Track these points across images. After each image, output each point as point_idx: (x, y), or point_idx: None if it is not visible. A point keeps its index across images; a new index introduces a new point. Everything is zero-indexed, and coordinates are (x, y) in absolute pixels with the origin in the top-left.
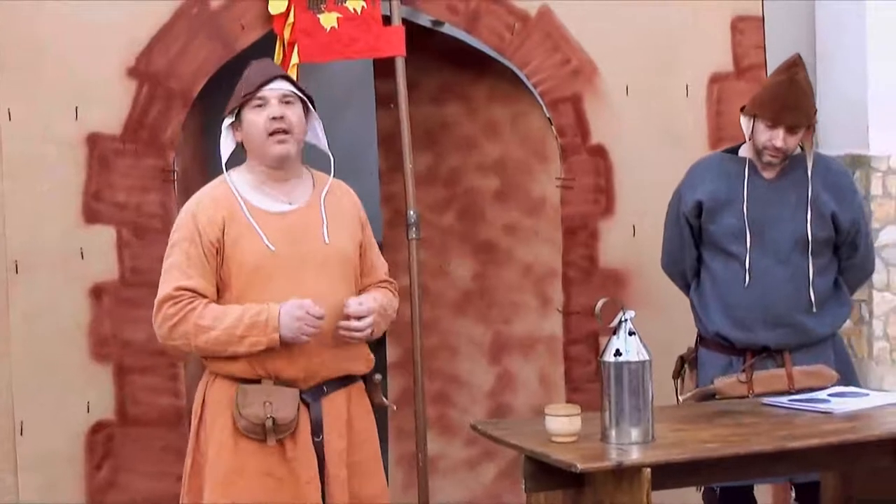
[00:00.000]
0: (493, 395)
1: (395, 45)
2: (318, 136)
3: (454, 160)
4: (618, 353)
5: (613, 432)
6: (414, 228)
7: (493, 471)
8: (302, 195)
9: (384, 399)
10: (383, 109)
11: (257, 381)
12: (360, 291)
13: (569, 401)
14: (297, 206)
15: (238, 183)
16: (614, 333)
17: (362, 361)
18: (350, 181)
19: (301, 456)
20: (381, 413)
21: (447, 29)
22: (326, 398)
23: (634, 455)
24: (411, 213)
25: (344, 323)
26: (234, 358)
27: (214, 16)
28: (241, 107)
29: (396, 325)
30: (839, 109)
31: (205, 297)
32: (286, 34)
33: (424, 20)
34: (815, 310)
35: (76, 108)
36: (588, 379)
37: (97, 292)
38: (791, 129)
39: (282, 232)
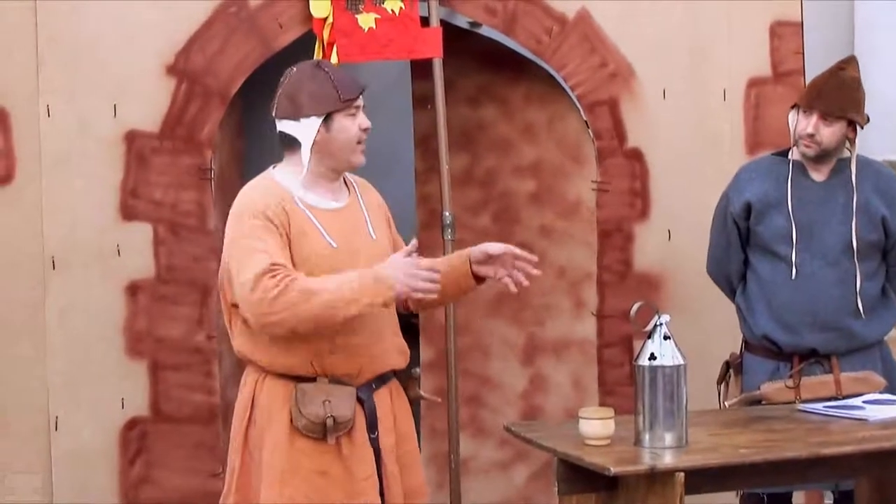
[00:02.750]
0: (526, 396)
1: (432, 46)
2: None
3: (490, 162)
4: (652, 357)
5: (647, 436)
6: (449, 230)
7: (525, 473)
8: (343, 194)
9: (421, 392)
10: (420, 110)
11: (312, 379)
12: None
13: (602, 404)
14: (343, 203)
15: (287, 181)
16: (649, 337)
17: (403, 356)
18: (386, 181)
19: (357, 453)
20: (413, 412)
21: (484, 31)
22: (376, 394)
23: (668, 459)
24: (447, 214)
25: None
26: (291, 353)
27: (253, 15)
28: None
29: (430, 326)
30: (877, 115)
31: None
32: (325, 34)
33: (462, 21)
34: (863, 314)
35: (115, 105)
36: (621, 382)
37: (133, 289)
38: (824, 117)
39: (338, 228)
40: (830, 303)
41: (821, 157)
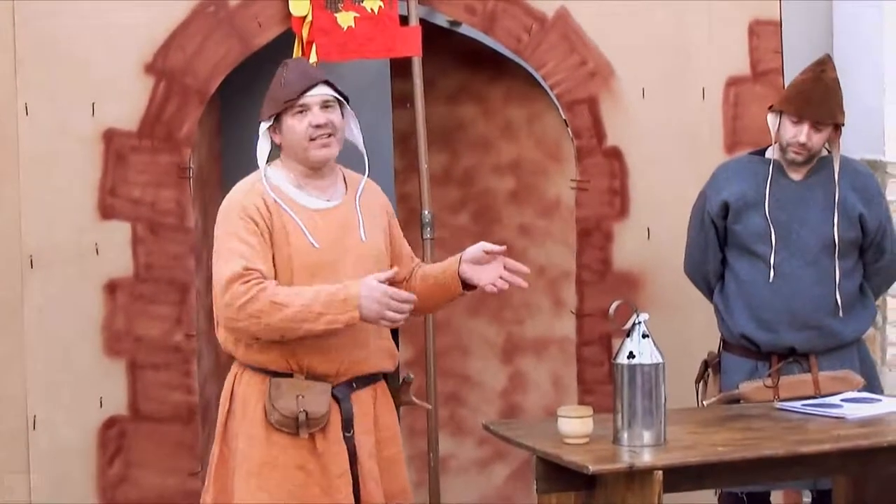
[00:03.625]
0: (505, 395)
1: (411, 45)
2: (353, 134)
3: (469, 160)
4: (631, 355)
5: (626, 434)
6: (428, 228)
7: (505, 471)
8: (337, 193)
9: (413, 398)
10: (399, 109)
11: (289, 375)
12: (403, 279)
13: (581, 402)
14: (335, 203)
15: (277, 180)
16: (628, 336)
17: (391, 359)
18: None
19: (331, 450)
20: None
21: (464, 29)
22: (355, 394)
23: (646, 457)
24: (426, 212)
25: (514, 264)
26: (268, 349)
27: (232, 13)
28: (281, 112)
29: (409, 325)
30: (855, 115)
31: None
32: (304, 33)
33: (441, 20)
34: (841, 313)
35: (93, 104)
36: (600, 381)
37: (111, 288)
38: (816, 126)
39: (324, 229)
40: (809, 302)
41: (808, 161)
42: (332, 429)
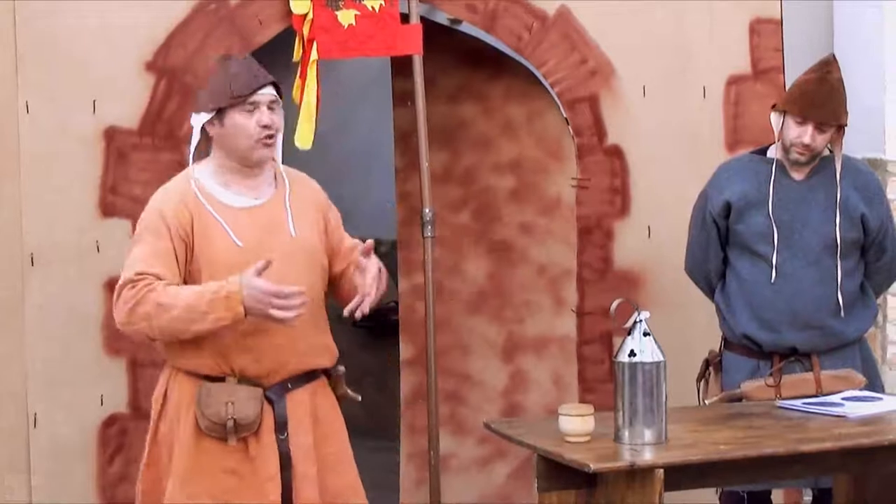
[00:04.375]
0: (506, 394)
1: (412, 43)
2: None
3: (470, 159)
4: (632, 353)
5: (627, 433)
6: (429, 227)
7: (505, 470)
8: (267, 190)
9: (348, 390)
10: (400, 107)
11: (221, 379)
12: (340, 273)
13: (582, 401)
14: (262, 200)
15: (204, 178)
16: (629, 334)
17: (328, 355)
18: (366, 178)
19: (262, 454)
20: (393, 410)
21: (465, 28)
22: (290, 395)
23: (647, 456)
24: (427, 211)
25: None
26: (199, 353)
27: (232, 11)
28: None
29: (410, 323)
30: (856, 113)
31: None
32: (305, 31)
33: (442, 18)
34: (843, 313)
35: (94, 102)
36: (601, 379)
37: (112, 286)
38: (820, 127)
39: (249, 227)
40: (811, 302)
41: (809, 161)
42: (264, 431)
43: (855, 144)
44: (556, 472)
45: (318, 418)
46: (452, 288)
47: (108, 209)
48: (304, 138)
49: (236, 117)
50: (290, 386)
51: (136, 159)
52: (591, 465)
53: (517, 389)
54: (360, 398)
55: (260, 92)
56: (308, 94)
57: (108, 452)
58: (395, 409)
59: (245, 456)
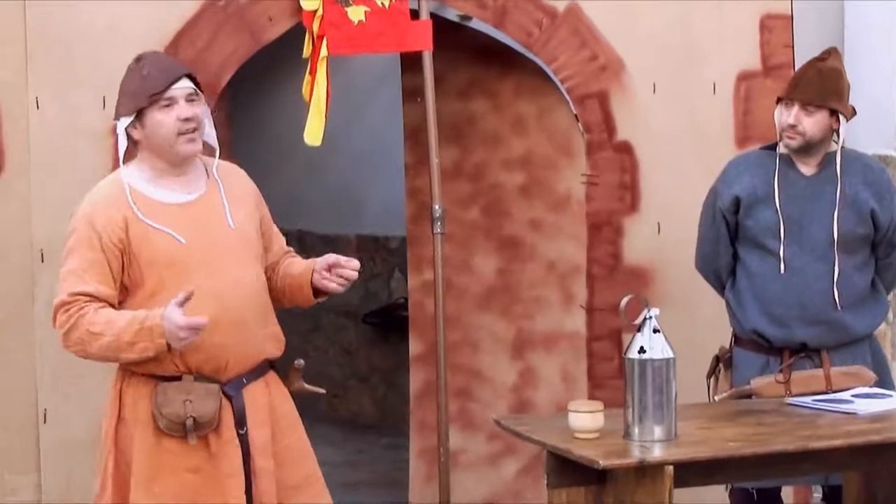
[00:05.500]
0: (516, 390)
1: (422, 39)
2: (206, 130)
3: (480, 155)
4: (642, 350)
5: (636, 429)
6: (439, 223)
7: (515, 466)
8: (199, 185)
9: (305, 385)
10: (410, 103)
11: (177, 378)
12: (271, 266)
13: (591, 397)
14: (197, 195)
15: (134, 179)
16: (638, 330)
17: (277, 343)
18: (375, 174)
19: (223, 450)
20: (402, 406)
21: (475, 24)
22: (247, 389)
23: (657, 452)
24: (436, 207)
25: (344, 261)
26: (153, 356)
27: (242, 8)
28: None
29: (420, 320)
30: (866, 110)
31: (101, 300)
32: (315, 27)
33: (452, 15)
34: (839, 308)
35: (104, 97)
36: (611, 376)
37: None
38: (805, 108)
39: (188, 223)
40: (818, 296)
41: (806, 149)
42: (225, 427)
43: (865, 140)
44: (566, 468)
45: (274, 409)
46: (462, 284)
47: None
48: (313, 135)
49: (156, 116)
50: (245, 381)
51: None
52: (601, 462)
53: (527, 386)
54: (323, 391)
55: (175, 86)
56: (318, 90)
57: None
58: (405, 406)
59: (207, 453)
